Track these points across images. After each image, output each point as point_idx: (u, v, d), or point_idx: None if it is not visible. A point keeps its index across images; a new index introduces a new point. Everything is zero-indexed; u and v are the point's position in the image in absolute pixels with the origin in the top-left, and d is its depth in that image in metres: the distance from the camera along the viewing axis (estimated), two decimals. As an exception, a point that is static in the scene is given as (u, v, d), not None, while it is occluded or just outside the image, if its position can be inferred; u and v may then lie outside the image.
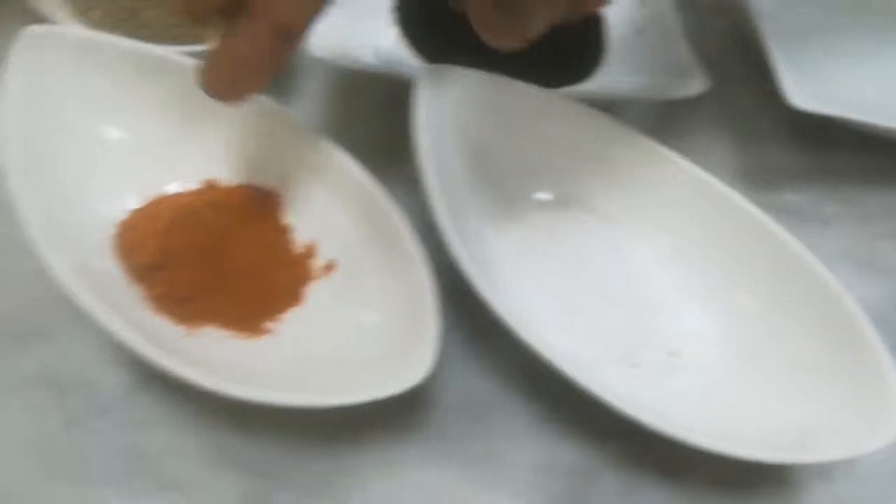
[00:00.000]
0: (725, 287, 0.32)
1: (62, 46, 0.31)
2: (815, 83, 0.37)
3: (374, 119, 0.39)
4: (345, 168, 0.32)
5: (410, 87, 0.35)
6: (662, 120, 0.40)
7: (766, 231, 0.32)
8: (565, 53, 0.41)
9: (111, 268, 0.30)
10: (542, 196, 0.33)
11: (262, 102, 0.33)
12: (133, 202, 0.32)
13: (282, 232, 0.33)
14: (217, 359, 0.29)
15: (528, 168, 0.33)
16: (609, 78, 0.39)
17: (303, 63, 0.41)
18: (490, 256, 0.30)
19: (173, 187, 0.33)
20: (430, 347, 0.27)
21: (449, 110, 0.31)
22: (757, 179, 0.40)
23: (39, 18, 0.36)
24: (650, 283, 0.32)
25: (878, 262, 0.38)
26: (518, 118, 0.32)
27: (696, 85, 0.36)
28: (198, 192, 0.33)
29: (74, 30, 0.32)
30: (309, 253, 0.33)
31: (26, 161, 0.29)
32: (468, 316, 0.32)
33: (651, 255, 0.33)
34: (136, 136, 0.33)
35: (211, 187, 0.33)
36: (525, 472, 0.29)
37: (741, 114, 0.43)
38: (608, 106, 0.36)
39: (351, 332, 0.30)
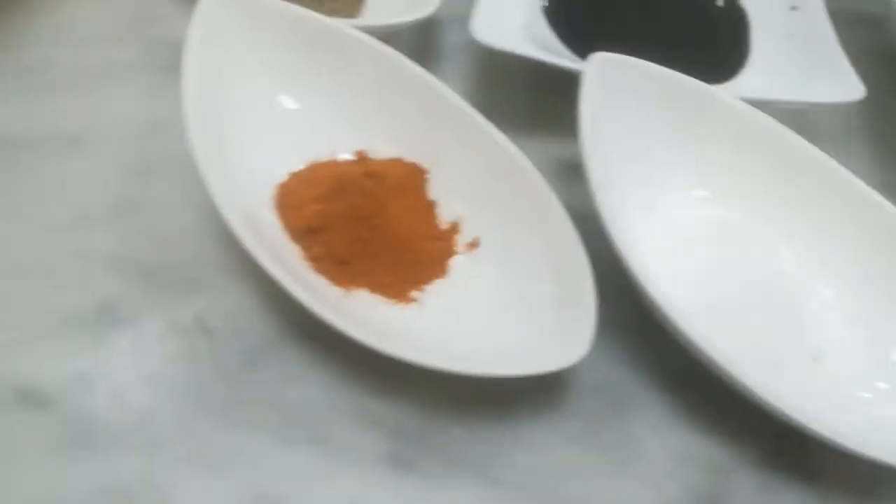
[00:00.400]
0: (873, 296, 0.32)
1: (242, 11, 0.33)
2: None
3: (523, 99, 0.40)
4: (500, 146, 0.32)
5: (564, 72, 0.35)
6: (807, 126, 0.40)
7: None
8: (708, 52, 0.41)
9: (273, 227, 0.32)
10: (699, 193, 0.33)
11: (419, 76, 0.34)
12: (291, 166, 0.34)
13: (429, 206, 0.34)
14: (370, 319, 0.30)
15: (687, 163, 0.33)
16: (755, 80, 0.39)
17: (457, 41, 0.42)
18: (645, 248, 0.30)
19: (326, 155, 0.34)
20: (587, 329, 0.27)
21: (614, 99, 0.31)
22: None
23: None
24: (799, 287, 0.32)
25: None
26: (681, 113, 0.32)
27: (852, 91, 0.35)
28: (353, 162, 0.34)
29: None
30: (454, 229, 0.33)
31: (203, 117, 0.30)
32: (612, 302, 0.32)
33: (801, 259, 0.32)
34: (300, 104, 0.34)
35: (363, 158, 0.34)
36: (663, 463, 0.30)
37: (882, 126, 0.42)
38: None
39: (497, 307, 0.31)
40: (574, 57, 0.39)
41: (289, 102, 0.34)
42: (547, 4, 0.41)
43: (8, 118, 0.36)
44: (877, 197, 0.32)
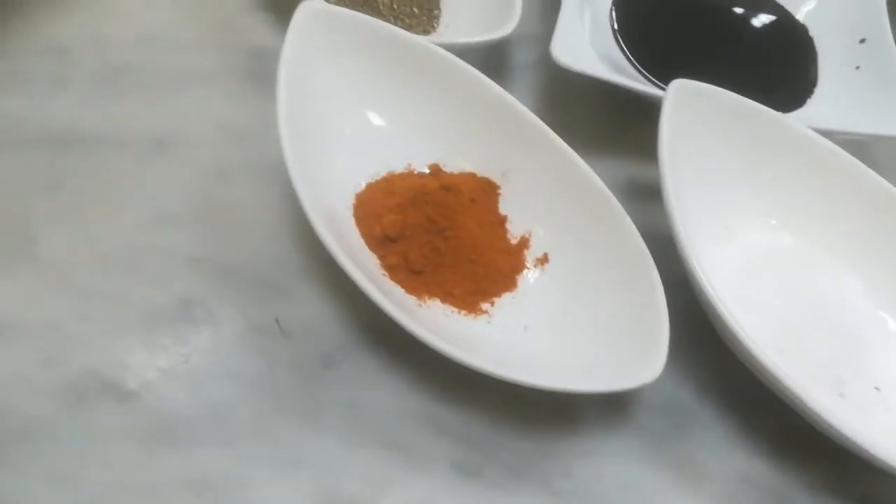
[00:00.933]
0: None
1: (332, 24, 0.34)
2: None
3: (592, 119, 0.41)
4: (571, 163, 0.33)
5: (636, 94, 0.36)
6: (870, 155, 0.40)
7: None
8: (777, 79, 0.42)
9: (352, 234, 0.33)
10: (771, 220, 0.34)
11: (495, 93, 0.35)
12: (369, 176, 0.35)
13: (500, 221, 0.35)
14: (442, 328, 0.31)
15: (760, 190, 0.33)
16: (822, 109, 0.39)
17: (527, 59, 0.43)
18: (717, 271, 0.31)
19: (402, 166, 0.35)
20: (661, 350, 0.28)
21: (692, 127, 0.32)
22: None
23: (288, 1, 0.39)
24: (864, 316, 0.32)
25: None
26: (756, 141, 0.33)
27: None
28: (428, 175, 0.35)
29: (343, 10, 0.35)
30: (524, 244, 0.34)
31: (293, 125, 0.31)
32: (680, 322, 0.32)
33: (868, 289, 0.33)
34: (382, 117, 0.35)
35: (437, 171, 0.35)
36: (724, 484, 0.30)
37: None
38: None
39: (567, 323, 0.31)
40: (644, 79, 0.40)
41: (372, 115, 0.35)
42: (617, 27, 0.42)
43: (95, 119, 0.38)
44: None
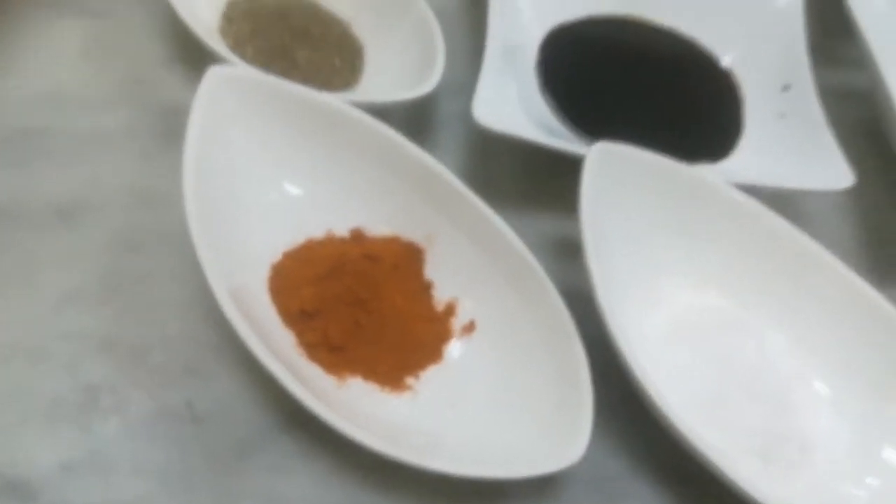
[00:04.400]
0: (863, 389, 0.32)
1: (243, 88, 0.32)
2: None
3: (520, 174, 0.40)
4: (494, 228, 0.32)
5: (564, 154, 0.35)
6: (793, 205, 0.40)
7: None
8: (703, 128, 0.42)
9: (267, 309, 0.31)
10: (695, 280, 0.33)
11: (416, 157, 0.34)
12: (287, 244, 0.33)
13: (425, 288, 0.34)
14: (363, 412, 0.30)
15: (684, 251, 0.33)
16: (747, 160, 0.39)
17: (456, 110, 0.42)
18: (640, 336, 0.30)
19: (322, 231, 0.34)
20: (585, 429, 0.27)
21: (614, 190, 0.31)
22: (884, 273, 0.40)
23: (202, 50, 0.38)
24: (789, 377, 0.32)
25: None
26: (679, 201, 0.33)
27: (841, 179, 0.36)
28: (349, 242, 0.34)
29: (254, 74, 0.33)
30: (450, 311, 0.33)
31: (200, 194, 0.30)
32: (608, 388, 0.31)
33: (793, 349, 0.32)
34: (299, 183, 0.34)
35: (359, 236, 0.34)
36: (657, 559, 0.30)
37: (873, 204, 0.42)
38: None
39: (492, 399, 0.31)
40: (571, 131, 0.40)
41: (288, 182, 0.34)
42: (543, 81, 0.41)
43: (-4, 187, 0.36)
44: (868, 289, 0.33)
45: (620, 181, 0.32)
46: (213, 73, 0.32)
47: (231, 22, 0.42)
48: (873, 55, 0.41)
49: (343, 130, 0.34)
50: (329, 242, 0.34)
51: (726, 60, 0.44)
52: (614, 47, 0.44)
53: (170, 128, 0.39)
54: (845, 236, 0.41)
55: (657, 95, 0.42)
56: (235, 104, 0.32)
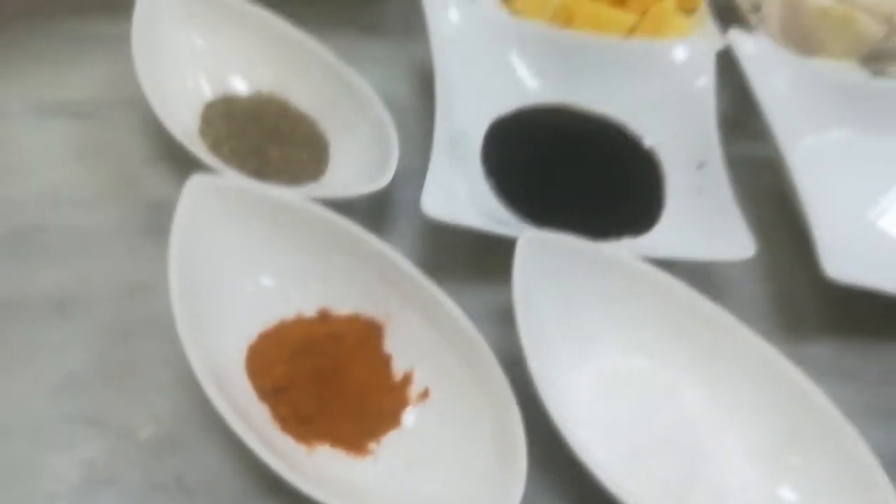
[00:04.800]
0: (767, 439, 0.36)
1: (221, 192, 0.37)
2: (850, 252, 0.42)
3: (471, 252, 0.44)
4: (443, 306, 0.37)
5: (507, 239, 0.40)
6: (709, 272, 0.46)
7: (805, 392, 0.36)
8: (630, 204, 0.47)
9: (244, 386, 0.35)
10: (620, 345, 0.38)
11: (372, 244, 0.38)
12: (261, 326, 0.38)
13: (385, 360, 0.38)
14: (332, 476, 0.34)
15: (609, 320, 0.38)
16: (667, 233, 0.44)
17: (415, 194, 0.46)
18: (569, 396, 0.35)
19: (293, 313, 0.39)
20: (519, 484, 0.31)
21: (544, 271, 0.37)
22: (790, 332, 0.45)
23: (183, 153, 0.43)
24: (706, 431, 0.37)
25: (893, 411, 0.42)
26: (602, 278, 0.38)
27: (744, 250, 0.41)
28: (316, 321, 0.38)
29: (230, 181, 0.39)
30: (407, 380, 0.38)
31: (185, 290, 0.34)
32: (540, 445, 0.35)
33: (708, 405, 0.37)
34: (272, 274, 0.39)
35: (325, 316, 0.39)
36: None
37: (781, 269, 0.47)
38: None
39: (442, 459, 0.35)
40: (513, 214, 0.45)
41: (261, 273, 0.38)
42: (488, 169, 0.46)
43: (-2, 282, 0.40)
44: (771, 350, 0.38)
45: (548, 263, 0.37)
46: (193, 183, 0.36)
47: (209, 124, 0.47)
48: (774, 131, 0.47)
49: (309, 225, 0.39)
50: (299, 323, 0.38)
51: (649, 141, 0.50)
52: (551, 134, 0.50)
53: (156, 223, 0.43)
54: (758, 296, 0.46)
55: (590, 176, 0.48)
56: (214, 208, 0.37)
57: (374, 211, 0.46)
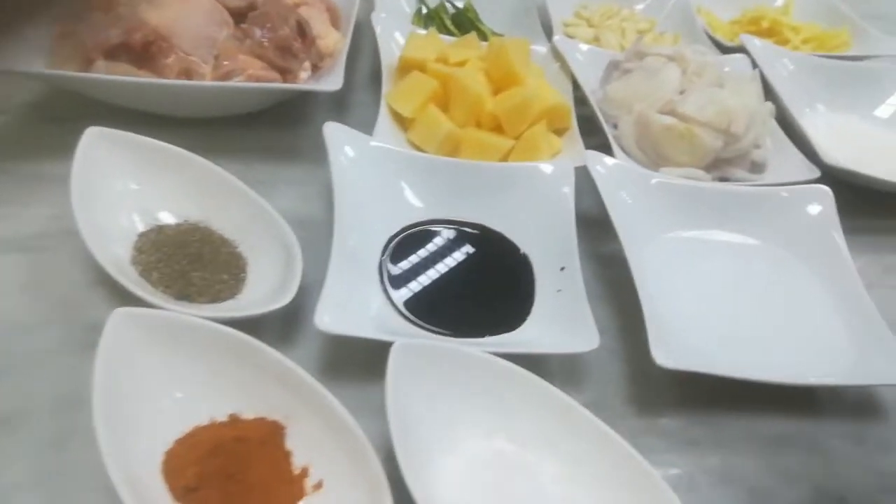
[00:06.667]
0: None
1: (139, 323, 0.45)
2: (679, 340, 0.51)
3: (364, 361, 0.51)
4: (334, 408, 0.44)
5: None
6: (576, 355, 0.53)
7: (639, 465, 0.43)
8: (508, 303, 0.55)
9: (160, 489, 0.42)
10: (485, 430, 0.45)
11: (273, 357, 0.46)
12: (176, 434, 0.44)
13: (285, 456, 0.45)
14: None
15: (475, 410, 0.45)
16: (534, 329, 0.52)
17: (304, 317, 0.54)
18: (437, 479, 0.41)
19: (206, 418, 0.45)
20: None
21: (415, 374, 0.44)
22: (643, 408, 0.52)
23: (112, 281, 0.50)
24: (558, 501, 0.44)
25: (732, 473, 0.50)
26: (464, 374, 0.45)
27: (590, 343, 0.49)
28: (226, 426, 0.45)
29: (148, 312, 0.46)
30: (304, 474, 0.44)
31: (107, 405, 0.41)
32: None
33: (560, 481, 0.44)
34: (185, 388, 0.45)
35: (235, 420, 0.45)
36: None
37: (637, 351, 0.54)
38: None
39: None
40: (406, 318, 0.53)
41: (177, 389, 0.45)
42: (386, 280, 0.55)
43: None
44: (612, 434, 0.44)
45: (419, 365, 0.44)
46: (115, 315, 0.44)
47: (141, 252, 0.54)
48: (620, 236, 0.56)
49: (216, 343, 0.46)
50: (210, 428, 0.45)
51: (523, 249, 0.58)
52: (439, 246, 0.58)
53: (93, 342, 0.49)
54: (617, 375, 0.54)
55: (474, 281, 0.57)
56: (133, 335, 0.44)
57: (288, 319, 0.53)
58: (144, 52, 0.60)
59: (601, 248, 0.63)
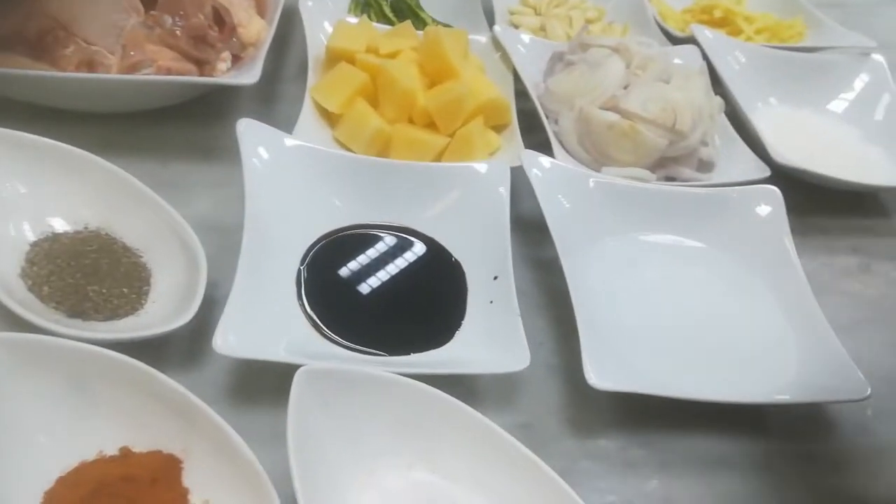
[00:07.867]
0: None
1: (15, 352, 0.40)
2: (614, 360, 0.47)
3: (275, 385, 0.45)
4: (232, 440, 0.40)
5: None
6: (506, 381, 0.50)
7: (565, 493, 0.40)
8: (438, 313, 0.52)
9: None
10: (408, 461, 0.42)
11: (170, 384, 0.41)
12: (60, 470, 0.40)
13: (182, 493, 0.40)
14: None
15: (393, 440, 0.42)
16: (463, 345, 0.49)
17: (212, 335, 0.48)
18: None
19: (94, 453, 0.41)
20: None
21: (322, 400, 0.40)
22: (580, 428, 0.49)
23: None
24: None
25: (672, 498, 0.47)
26: (380, 400, 0.41)
27: (520, 363, 0.46)
28: (115, 461, 0.41)
29: (25, 338, 0.41)
30: (203, 511, 0.40)
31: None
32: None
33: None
34: (72, 417, 0.41)
35: (126, 454, 0.41)
36: None
37: (575, 370, 0.49)
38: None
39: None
40: (327, 336, 0.49)
41: (57, 425, 0.41)
42: (299, 295, 0.50)
43: None
44: (533, 457, 0.41)
45: (327, 391, 0.40)
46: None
47: (32, 264, 0.49)
48: (555, 241, 0.52)
49: (107, 370, 0.41)
50: (98, 463, 0.40)
51: (456, 255, 0.54)
52: (364, 254, 0.54)
53: None
54: (553, 395, 0.51)
55: (402, 292, 0.52)
56: (7, 363, 0.40)
57: (194, 337, 0.49)
58: (39, 43, 0.55)
59: (541, 254, 0.59)
